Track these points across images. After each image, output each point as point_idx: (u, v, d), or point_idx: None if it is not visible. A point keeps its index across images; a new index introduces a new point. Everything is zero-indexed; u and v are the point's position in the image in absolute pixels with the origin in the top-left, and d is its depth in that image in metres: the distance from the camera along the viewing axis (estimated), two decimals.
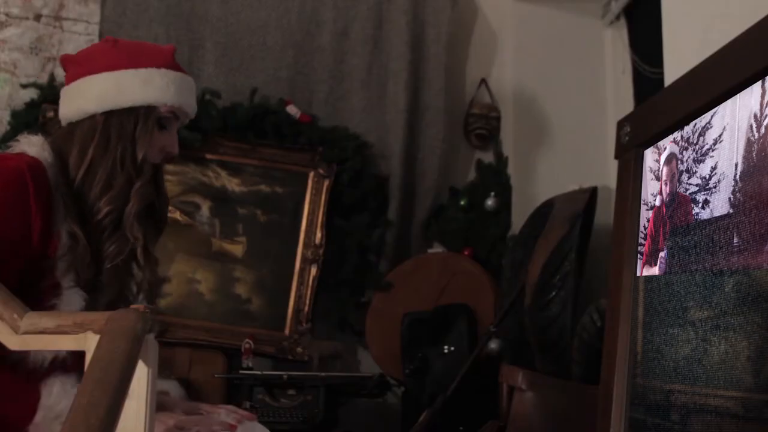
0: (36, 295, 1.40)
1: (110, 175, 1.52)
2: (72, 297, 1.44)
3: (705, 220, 1.36)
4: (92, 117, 1.55)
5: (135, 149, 1.55)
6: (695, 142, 1.44)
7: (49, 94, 3.16)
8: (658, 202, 1.59)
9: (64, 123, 1.60)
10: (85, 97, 1.55)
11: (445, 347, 3.07)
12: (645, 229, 1.64)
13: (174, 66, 1.62)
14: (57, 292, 1.42)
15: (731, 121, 1.31)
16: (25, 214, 1.40)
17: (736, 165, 1.27)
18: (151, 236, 1.63)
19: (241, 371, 3.08)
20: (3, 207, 1.39)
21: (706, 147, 1.39)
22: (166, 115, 1.60)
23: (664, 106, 1.59)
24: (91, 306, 1.48)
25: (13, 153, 1.49)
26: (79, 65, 1.60)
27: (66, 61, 1.64)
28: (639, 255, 1.65)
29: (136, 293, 1.63)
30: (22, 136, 1.53)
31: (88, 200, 1.51)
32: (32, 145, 1.50)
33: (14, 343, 1.18)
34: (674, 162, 1.53)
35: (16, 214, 1.40)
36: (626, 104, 3.27)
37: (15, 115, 3.25)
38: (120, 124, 1.55)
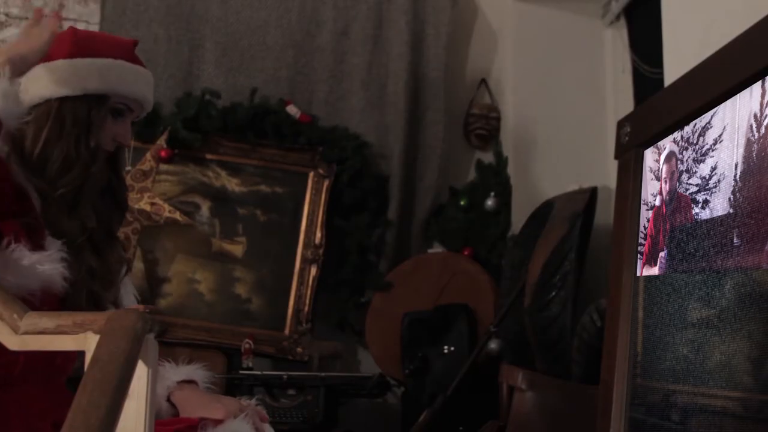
0: None
1: (66, 159, 1.55)
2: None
3: (705, 220, 1.36)
4: (47, 101, 1.57)
5: (89, 135, 1.58)
6: (695, 142, 1.44)
7: None
8: (658, 202, 1.59)
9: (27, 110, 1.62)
10: (41, 83, 1.58)
11: (445, 347, 3.07)
12: (645, 229, 1.64)
13: (132, 59, 1.65)
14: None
15: (731, 121, 1.31)
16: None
17: (736, 165, 1.27)
18: (115, 218, 1.67)
19: (241, 371, 3.08)
20: None
21: (706, 147, 1.39)
22: (117, 107, 1.62)
23: (664, 106, 1.59)
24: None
25: None
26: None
27: None
28: (639, 255, 1.65)
29: (123, 273, 1.66)
30: None
31: (45, 175, 1.54)
32: None
33: (14, 343, 1.17)
34: (674, 161, 1.53)
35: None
36: (626, 104, 3.27)
37: None
38: (73, 109, 1.57)
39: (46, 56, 1.60)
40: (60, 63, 1.58)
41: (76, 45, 1.60)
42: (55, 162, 1.54)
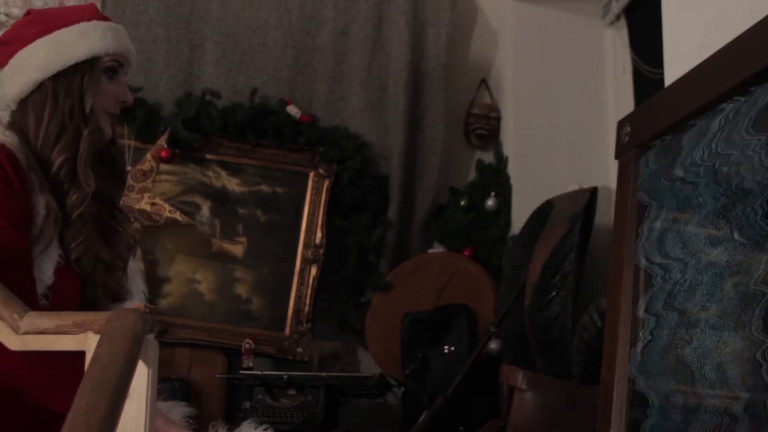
0: None
1: (60, 129, 1.53)
2: (41, 261, 1.44)
3: (705, 219, 1.36)
4: (41, 85, 1.55)
5: (83, 100, 1.55)
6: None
7: None
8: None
9: (14, 105, 1.60)
10: (27, 70, 1.55)
11: (445, 347, 3.07)
12: None
13: (102, 17, 1.63)
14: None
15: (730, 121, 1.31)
16: (12, 192, 1.41)
17: (736, 165, 1.27)
18: (114, 189, 1.65)
19: (241, 371, 3.08)
20: None
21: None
22: (110, 64, 1.59)
23: (665, 106, 1.59)
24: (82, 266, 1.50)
25: None
26: (8, 44, 1.59)
27: None
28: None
29: (127, 253, 1.65)
30: None
31: (45, 159, 1.52)
32: None
33: (14, 343, 1.17)
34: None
35: (7, 194, 1.41)
36: (626, 104, 3.27)
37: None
38: (67, 82, 1.55)
39: (19, 41, 1.57)
40: (39, 42, 1.55)
41: (46, 22, 1.58)
42: (50, 137, 1.52)
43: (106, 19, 1.63)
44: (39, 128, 1.53)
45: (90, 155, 1.54)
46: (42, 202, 1.46)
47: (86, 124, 1.54)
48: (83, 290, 1.53)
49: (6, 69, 1.59)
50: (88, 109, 1.55)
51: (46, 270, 1.45)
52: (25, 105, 1.56)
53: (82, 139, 1.53)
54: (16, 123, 1.56)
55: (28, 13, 1.64)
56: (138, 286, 1.68)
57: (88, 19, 1.59)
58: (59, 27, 1.56)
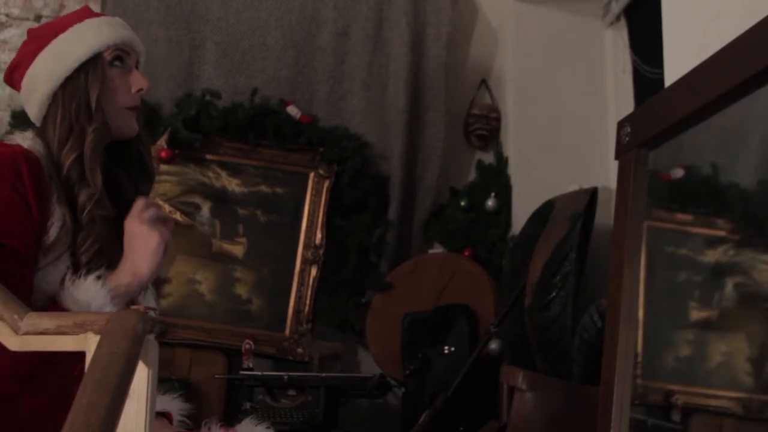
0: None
1: (68, 130, 1.54)
2: (47, 272, 1.45)
3: (704, 219, 1.36)
4: (54, 96, 1.56)
5: (88, 98, 1.55)
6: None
7: None
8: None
9: (39, 124, 1.62)
10: (38, 87, 1.57)
11: (446, 347, 3.07)
12: None
13: (95, 15, 1.63)
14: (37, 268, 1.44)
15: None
16: (23, 199, 1.42)
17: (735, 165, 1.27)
18: (142, 185, 1.66)
19: (241, 372, 3.08)
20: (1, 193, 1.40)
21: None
22: (114, 55, 1.60)
23: (665, 106, 1.59)
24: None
25: (9, 143, 1.51)
26: (18, 67, 1.62)
27: (8, 73, 1.65)
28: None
29: None
30: (16, 133, 1.56)
31: (59, 164, 1.53)
32: (25, 139, 1.53)
33: (14, 343, 1.18)
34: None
35: (16, 200, 1.41)
36: (626, 105, 3.27)
37: (15, 115, 3.25)
38: (73, 85, 1.56)
39: (25, 62, 1.59)
40: (40, 57, 1.57)
41: (41, 35, 1.60)
42: (61, 142, 1.53)
43: (100, 14, 1.64)
44: (54, 136, 1.54)
45: (96, 151, 1.54)
46: (58, 213, 1.47)
47: (90, 121, 1.55)
48: None
49: (22, 92, 1.62)
50: (93, 105, 1.55)
51: (53, 281, 1.45)
52: (45, 120, 1.58)
53: (86, 135, 1.53)
54: (41, 134, 1.58)
55: (28, 32, 1.66)
56: (149, 301, 1.68)
57: (80, 20, 1.60)
58: (55, 36, 1.58)
